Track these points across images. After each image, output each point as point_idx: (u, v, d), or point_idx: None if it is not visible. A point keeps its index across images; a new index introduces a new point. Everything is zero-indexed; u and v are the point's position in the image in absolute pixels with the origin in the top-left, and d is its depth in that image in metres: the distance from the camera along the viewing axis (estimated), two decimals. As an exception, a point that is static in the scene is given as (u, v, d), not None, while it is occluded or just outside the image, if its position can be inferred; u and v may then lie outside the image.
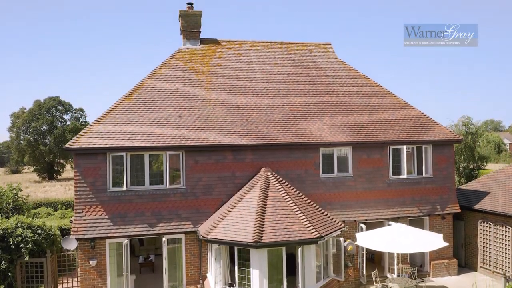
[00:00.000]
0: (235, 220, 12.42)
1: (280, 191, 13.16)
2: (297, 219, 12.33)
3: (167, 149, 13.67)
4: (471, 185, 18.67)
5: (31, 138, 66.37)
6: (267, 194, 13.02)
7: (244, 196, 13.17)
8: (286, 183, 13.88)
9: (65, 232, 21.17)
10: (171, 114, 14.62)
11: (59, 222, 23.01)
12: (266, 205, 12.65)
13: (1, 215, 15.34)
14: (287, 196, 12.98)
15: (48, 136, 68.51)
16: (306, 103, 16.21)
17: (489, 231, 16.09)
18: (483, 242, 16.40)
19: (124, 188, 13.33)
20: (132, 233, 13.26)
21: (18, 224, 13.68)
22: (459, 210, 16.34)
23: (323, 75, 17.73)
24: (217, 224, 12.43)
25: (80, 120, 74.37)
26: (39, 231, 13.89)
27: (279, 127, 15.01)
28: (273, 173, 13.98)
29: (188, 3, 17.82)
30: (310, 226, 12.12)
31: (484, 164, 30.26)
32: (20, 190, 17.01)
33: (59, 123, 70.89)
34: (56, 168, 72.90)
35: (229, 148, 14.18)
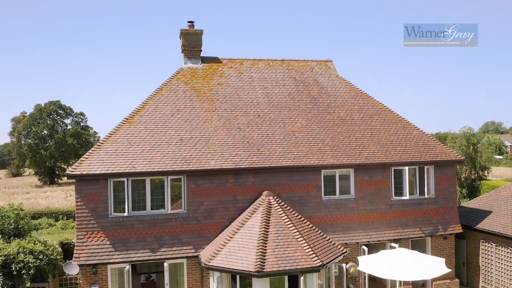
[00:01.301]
0: (237, 247, 12.39)
1: (282, 217, 13.13)
2: (299, 246, 12.30)
3: (168, 174, 13.65)
4: (473, 203, 18.63)
5: (32, 143, 66.34)
6: (269, 220, 12.99)
7: (245, 221, 13.15)
8: (288, 208, 13.85)
9: (66, 247, 21.23)
10: (172, 137, 14.59)
11: (60, 237, 23.05)
12: (268, 231, 12.62)
13: (2, 237, 15.32)
14: (289, 222, 12.95)
15: (49, 141, 68.49)
16: (307, 123, 16.17)
17: (491, 251, 16.06)
18: (485, 262, 16.37)
19: (126, 213, 13.31)
20: (133, 259, 13.24)
21: (20, 250, 13.67)
22: (461, 231, 16.30)
23: (324, 94, 17.69)
24: (219, 251, 12.40)
25: (81, 124, 74.43)
26: (41, 256, 13.88)
27: (281, 149, 14.98)
28: (275, 197, 13.96)
29: (188, 21, 17.79)
30: (312, 254, 12.10)
31: (486, 174, 30.21)
32: (22, 209, 16.98)
33: (60, 127, 70.88)
34: (57, 172, 72.90)
35: (231, 172, 14.15)
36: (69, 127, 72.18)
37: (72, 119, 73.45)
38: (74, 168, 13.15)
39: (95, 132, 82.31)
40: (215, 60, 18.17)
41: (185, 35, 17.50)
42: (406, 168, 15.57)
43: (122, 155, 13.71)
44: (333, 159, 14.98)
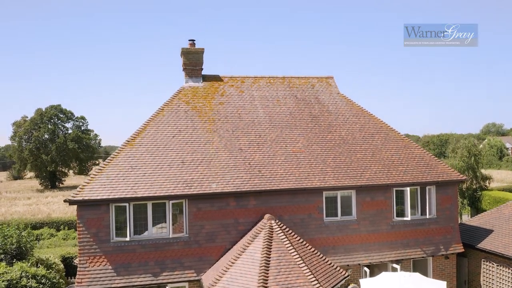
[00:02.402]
0: (239, 273, 12.40)
1: (284, 242, 13.13)
2: (301, 272, 12.31)
3: (170, 198, 13.65)
4: (474, 221, 18.62)
5: (33, 148, 66.40)
6: (271, 246, 12.99)
7: (247, 246, 13.15)
8: (290, 231, 13.85)
9: (68, 261, 21.30)
10: (174, 159, 14.60)
11: (62, 250, 23.14)
12: (270, 257, 12.62)
13: (5, 258, 15.34)
14: (291, 248, 12.95)
15: (50, 145, 68.56)
16: (309, 143, 16.17)
17: (492, 271, 16.06)
18: (486, 281, 16.37)
19: (128, 238, 13.32)
20: (136, 283, 13.25)
21: (23, 274, 13.68)
22: (463, 250, 16.30)
23: (325, 112, 17.68)
24: (220, 278, 12.41)
25: (82, 128, 74.49)
26: (43, 281, 13.90)
27: (282, 170, 14.98)
28: (277, 221, 13.95)
29: (190, 40, 17.78)
30: (314, 280, 12.10)
31: (487, 184, 30.19)
32: (24, 229, 17.03)
33: (61, 132, 70.94)
34: (58, 176, 72.99)
35: (232, 195, 14.16)
36: (70, 131, 72.27)
37: (73, 123, 73.52)
38: (76, 194, 13.16)
39: (96, 134, 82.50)
40: (216, 78, 18.17)
41: (186, 53, 17.49)
42: (408, 188, 15.57)
43: (124, 179, 13.72)
44: (334, 181, 14.98)
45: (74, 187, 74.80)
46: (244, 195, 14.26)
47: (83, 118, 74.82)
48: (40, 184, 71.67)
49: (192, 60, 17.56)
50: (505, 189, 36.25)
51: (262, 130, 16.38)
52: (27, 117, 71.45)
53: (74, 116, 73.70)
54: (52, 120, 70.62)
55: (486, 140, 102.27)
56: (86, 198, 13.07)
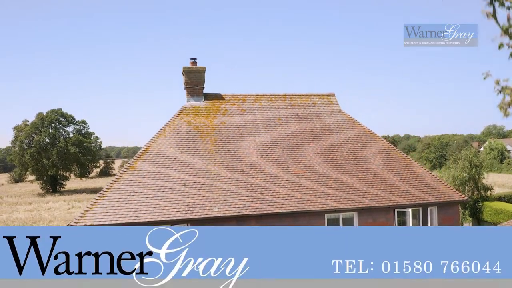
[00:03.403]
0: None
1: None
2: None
3: (172, 223, 13.64)
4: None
5: (34, 152, 66.45)
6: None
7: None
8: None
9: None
10: (175, 183, 14.60)
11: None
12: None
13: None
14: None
15: (51, 149, 68.63)
16: (310, 164, 16.17)
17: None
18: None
19: (130, 263, 13.31)
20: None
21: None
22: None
23: (327, 131, 17.68)
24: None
25: (83, 132, 74.54)
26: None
27: (284, 193, 14.98)
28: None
29: (191, 58, 17.78)
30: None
31: (489, 195, 30.18)
32: None
33: (62, 136, 71.01)
34: (59, 180, 73.06)
35: (234, 219, 14.16)
36: (70, 135, 72.33)
37: (74, 127, 73.58)
38: (78, 220, 13.17)
39: (96, 137, 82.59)
40: (217, 96, 18.18)
41: (188, 73, 17.50)
42: (410, 209, 15.56)
43: (126, 203, 13.73)
44: (336, 203, 14.98)
45: (75, 190, 74.94)
46: (245, 219, 14.25)
47: (84, 122, 74.88)
48: (41, 188, 71.75)
49: (194, 79, 17.56)
50: (506, 195, 36.20)
51: (263, 150, 16.38)
52: (28, 121, 71.51)
53: (75, 120, 73.76)
54: (53, 124, 70.66)
55: (487, 142, 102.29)
56: (89, 223, 13.07)
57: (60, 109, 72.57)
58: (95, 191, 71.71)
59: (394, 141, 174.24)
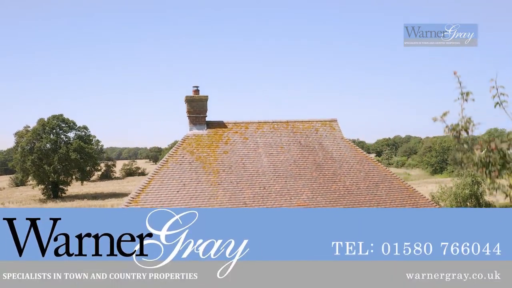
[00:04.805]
0: None
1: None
2: None
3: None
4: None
5: (35, 159, 66.56)
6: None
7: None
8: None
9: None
10: (178, 217, 14.59)
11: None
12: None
13: None
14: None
15: (52, 156, 68.72)
16: (313, 195, 16.17)
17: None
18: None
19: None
20: None
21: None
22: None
23: (330, 160, 17.68)
24: None
25: (84, 138, 74.63)
26: None
27: (287, 226, 14.96)
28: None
29: (194, 86, 17.79)
30: None
31: (490, 212, 30.17)
32: None
33: (63, 142, 71.10)
34: (60, 186, 73.18)
35: (237, 254, 14.16)
36: (72, 140, 72.40)
37: (75, 133, 73.67)
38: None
39: (98, 140, 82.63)
40: (220, 125, 18.17)
41: (190, 101, 17.50)
42: (412, 242, 15.55)
43: (129, 240, 13.72)
44: (339, 237, 14.96)
45: (76, 196, 74.97)
46: (248, 254, 14.25)
47: (85, 127, 74.92)
48: (42, 194, 71.86)
49: (196, 108, 17.56)
50: (507, 206, 36.20)
51: (266, 181, 16.38)
52: (29, 127, 71.59)
53: (76, 125, 73.83)
54: (54, 130, 70.74)
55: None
56: (92, 262, 13.07)
57: (62, 115, 72.70)
58: (96, 196, 71.82)
59: (395, 143, 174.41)
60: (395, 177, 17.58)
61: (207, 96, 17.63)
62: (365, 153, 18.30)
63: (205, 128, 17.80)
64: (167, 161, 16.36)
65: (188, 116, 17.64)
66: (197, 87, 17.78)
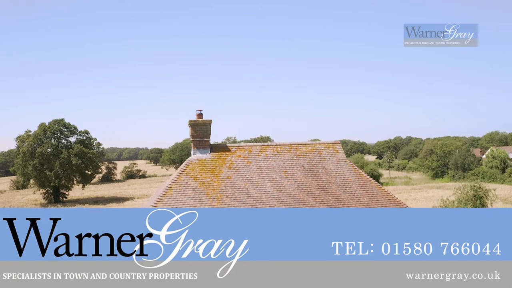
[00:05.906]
0: None
1: None
2: None
3: (179, 291, 13.66)
4: None
5: (36, 163, 66.54)
6: None
7: None
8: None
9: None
10: (182, 246, 14.59)
11: None
12: None
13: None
14: None
15: (53, 160, 68.70)
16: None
17: None
18: None
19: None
20: None
21: None
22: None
23: (333, 184, 17.65)
24: None
25: (85, 142, 74.62)
26: None
27: (291, 255, 14.96)
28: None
29: (197, 110, 17.78)
30: None
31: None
32: None
33: (64, 147, 71.08)
34: (62, 190, 73.20)
35: (241, 284, 14.16)
36: (73, 145, 72.36)
37: (77, 138, 73.65)
38: None
39: (99, 143, 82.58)
40: (223, 148, 18.15)
41: (194, 125, 17.47)
42: (416, 270, 15.54)
43: (133, 271, 13.72)
44: (343, 266, 14.95)
45: (77, 200, 74.97)
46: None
47: (86, 132, 74.90)
48: (44, 198, 71.85)
49: (200, 132, 17.53)
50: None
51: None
52: (30, 131, 71.52)
53: (78, 130, 73.79)
54: (55, 135, 70.72)
55: (489, 150, 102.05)
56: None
57: (63, 119, 72.65)
58: (97, 201, 71.84)
59: (396, 145, 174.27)
60: (398, 202, 17.55)
61: (210, 120, 17.61)
62: (368, 177, 18.28)
63: (209, 151, 17.78)
64: (170, 187, 16.34)
65: (192, 140, 17.62)
66: (200, 110, 17.77)
